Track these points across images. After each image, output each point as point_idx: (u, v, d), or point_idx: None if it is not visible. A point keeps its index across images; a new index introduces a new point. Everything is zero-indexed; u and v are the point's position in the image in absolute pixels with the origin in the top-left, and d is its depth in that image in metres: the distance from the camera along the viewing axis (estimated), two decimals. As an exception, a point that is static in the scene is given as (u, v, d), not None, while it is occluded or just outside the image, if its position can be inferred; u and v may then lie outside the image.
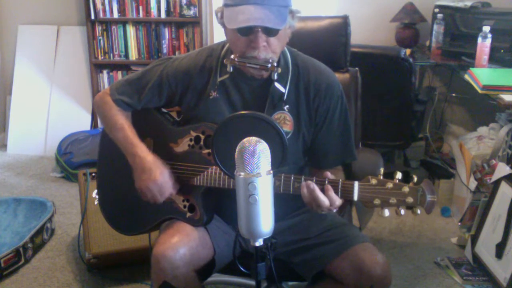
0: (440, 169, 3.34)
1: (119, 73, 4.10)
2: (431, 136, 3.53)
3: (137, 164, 1.63)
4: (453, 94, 3.66)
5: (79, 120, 4.12)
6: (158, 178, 1.59)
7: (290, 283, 1.88)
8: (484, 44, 2.88)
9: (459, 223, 2.86)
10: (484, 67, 2.89)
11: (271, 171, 1.14)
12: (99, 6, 3.91)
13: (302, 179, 1.45)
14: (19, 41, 4.21)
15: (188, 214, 1.62)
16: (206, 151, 1.60)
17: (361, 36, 3.10)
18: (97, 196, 2.01)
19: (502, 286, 2.27)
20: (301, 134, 1.63)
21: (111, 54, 4.06)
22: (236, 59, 1.53)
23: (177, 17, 3.94)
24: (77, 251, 2.64)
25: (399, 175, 1.40)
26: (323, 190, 1.42)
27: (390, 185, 1.38)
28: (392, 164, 3.42)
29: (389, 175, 1.40)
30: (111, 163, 1.82)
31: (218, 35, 3.79)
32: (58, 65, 4.18)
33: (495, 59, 2.99)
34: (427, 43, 3.59)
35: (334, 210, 1.46)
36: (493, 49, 2.92)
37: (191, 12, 3.91)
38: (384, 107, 3.00)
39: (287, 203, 1.65)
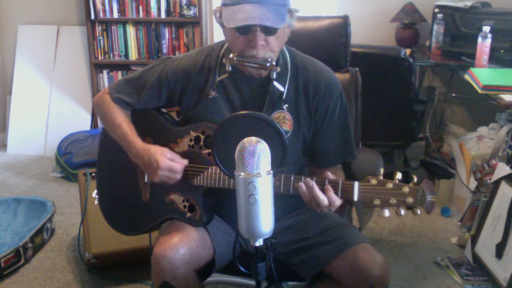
0: (440, 169, 3.34)
1: (119, 73, 4.10)
2: (431, 136, 3.53)
3: (139, 160, 1.63)
4: (453, 94, 3.66)
5: (79, 120, 4.12)
6: (161, 163, 1.56)
7: (290, 283, 1.88)
8: (484, 44, 2.88)
9: (459, 223, 2.86)
10: (484, 67, 2.89)
11: (271, 171, 1.14)
12: (99, 6, 3.91)
13: (302, 179, 1.45)
14: (19, 41, 4.21)
15: (188, 214, 1.62)
16: (206, 151, 1.60)
17: (361, 36, 3.10)
18: (97, 196, 2.01)
19: (502, 286, 2.27)
20: (300, 133, 1.63)
21: (111, 54, 4.06)
22: (235, 58, 1.53)
23: (177, 17, 3.94)
24: (77, 251, 2.64)
25: (399, 175, 1.40)
26: (323, 190, 1.42)
27: (390, 185, 1.38)
28: (392, 164, 3.42)
29: (389, 175, 1.40)
30: (111, 163, 1.82)
31: (218, 35, 3.79)
32: (58, 65, 4.18)
33: (495, 59, 2.99)
34: (427, 43, 3.59)
35: (333, 210, 1.46)
36: (493, 49, 2.92)
37: (191, 12, 3.91)
38: (384, 107, 3.00)
39: (287, 203, 1.65)
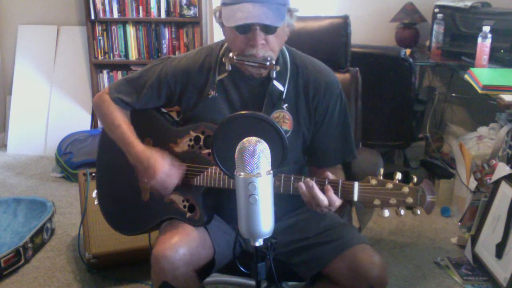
0: (440, 169, 3.34)
1: (119, 73, 4.10)
2: (431, 136, 3.53)
3: (138, 163, 1.63)
4: (453, 94, 3.66)
5: (79, 120, 4.12)
6: (157, 175, 1.57)
7: (290, 283, 1.88)
8: (484, 44, 2.88)
9: (459, 223, 2.86)
10: (484, 67, 2.89)
11: (271, 171, 1.14)
12: (99, 6, 3.91)
13: (302, 179, 1.45)
14: (19, 41, 4.21)
15: (188, 214, 1.62)
16: (206, 151, 1.60)
17: (361, 36, 3.10)
18: (97, 196, 2.00)
19: (502, 286, 2.27)
20: (300, 132, 1.63)
21: (111, 54, 4.06)
22: (234, 57, 1.53)
23: (177, 17, 3.94)
24: (77, 251, 2.64)
25: (399, 176, 1.40)
26: (323, 190, 1.42)
27: (390, 185, 1.38)
28: (392, 164, 3.42)
29: (389, 175, 1.40)
30: (111, 163, 1.82)
31: (218, 35, 3.80)
32: (58, 65, 4.18)
33: (495, 59, 2.99)
34: (427, 43, 3.59)
35: (333, 210, 1.46)
36: (493, 49, 2.92)
37: (191, 12, 3.91)
38: (384, 107, 3.00)
39: (287, 203, 1.65)
